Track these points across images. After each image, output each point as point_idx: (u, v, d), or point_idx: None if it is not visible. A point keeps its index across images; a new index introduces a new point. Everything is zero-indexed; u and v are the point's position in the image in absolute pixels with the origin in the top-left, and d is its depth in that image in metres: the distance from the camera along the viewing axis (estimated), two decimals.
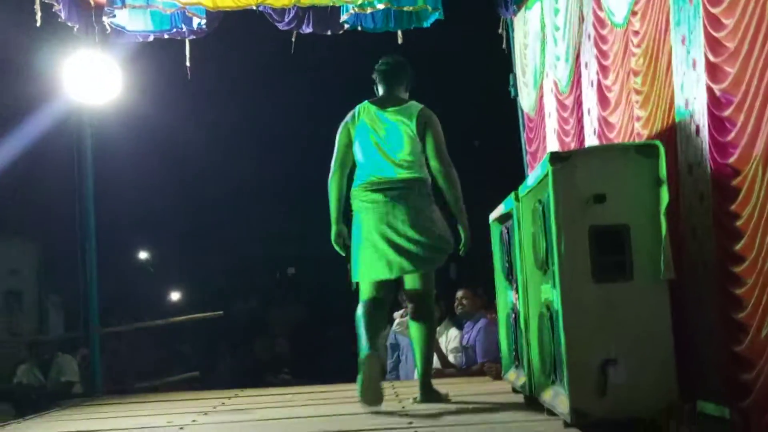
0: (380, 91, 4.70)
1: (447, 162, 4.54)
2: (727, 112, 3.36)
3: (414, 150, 4.52)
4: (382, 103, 4.62)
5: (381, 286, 4.55)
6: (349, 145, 4.62)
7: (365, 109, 4.61)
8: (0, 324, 10.74)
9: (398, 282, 4.66)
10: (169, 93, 9.67)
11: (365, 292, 4.56)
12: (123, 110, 7.23)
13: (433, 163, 4.54)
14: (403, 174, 4.50)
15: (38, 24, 5.78)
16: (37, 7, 5.73)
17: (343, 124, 4.67)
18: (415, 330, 4.64)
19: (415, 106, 4.59)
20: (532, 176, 3.80)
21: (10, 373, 7.72)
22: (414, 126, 4.51)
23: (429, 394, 4.54)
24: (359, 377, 4.24)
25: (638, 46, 4.25)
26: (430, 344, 4.71)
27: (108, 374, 7.38)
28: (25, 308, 11.25)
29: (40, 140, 7.18)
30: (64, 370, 7.67)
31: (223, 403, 5.25)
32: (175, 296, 15.13)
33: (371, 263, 4.48)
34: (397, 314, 6.41)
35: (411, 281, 4.58)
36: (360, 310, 4.51)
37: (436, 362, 6.16)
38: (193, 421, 4.45)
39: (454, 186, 4.53)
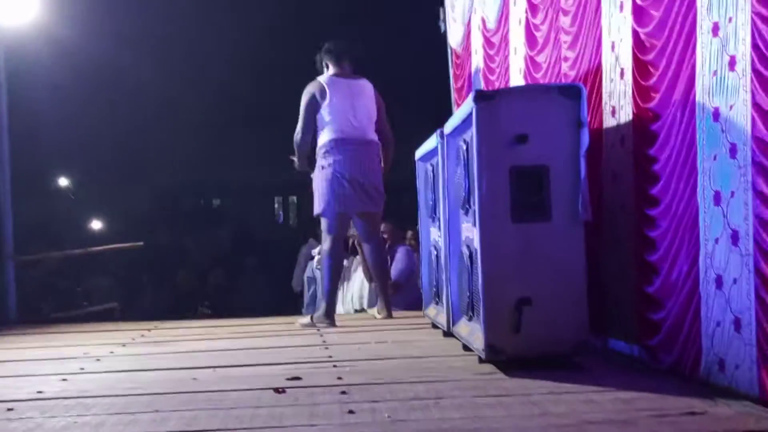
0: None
1: None
2: (650, 56, 3.38)
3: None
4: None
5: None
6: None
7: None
8: None
9: None
10: (89, 14, 9.31)
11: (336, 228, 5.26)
12: (41, 31, 6.94)
13: None
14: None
15: None
16: None
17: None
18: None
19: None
20: (458, 114, 3.78)
21: None
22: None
23: (389, 309, 5.51)
24: (309, 318, 5.30)
25: None
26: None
27: (23, 304, 7.22)
28: None
29: None
30: None
31: (143, 335, 5.19)
32: (96, 225, 14.83)
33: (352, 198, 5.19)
34: (315, 251, 6.58)
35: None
36: (334, 251, 5.26)
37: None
38: (111, 352, 4.39)
39: None
